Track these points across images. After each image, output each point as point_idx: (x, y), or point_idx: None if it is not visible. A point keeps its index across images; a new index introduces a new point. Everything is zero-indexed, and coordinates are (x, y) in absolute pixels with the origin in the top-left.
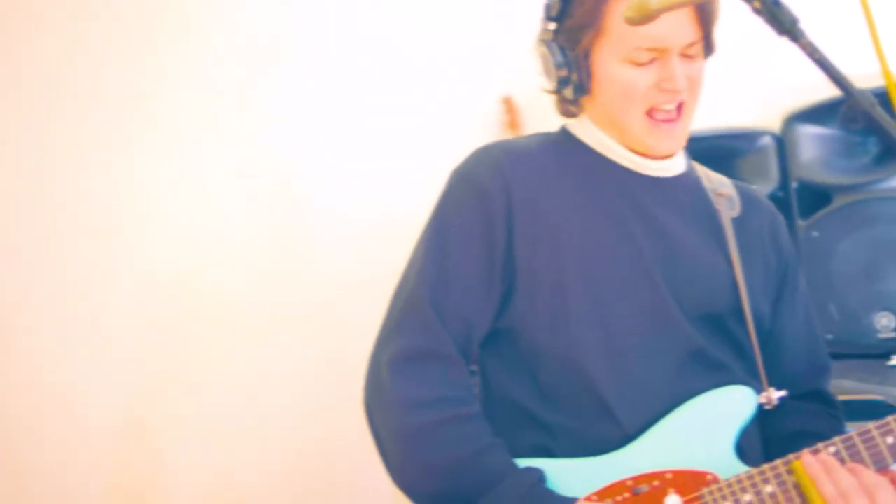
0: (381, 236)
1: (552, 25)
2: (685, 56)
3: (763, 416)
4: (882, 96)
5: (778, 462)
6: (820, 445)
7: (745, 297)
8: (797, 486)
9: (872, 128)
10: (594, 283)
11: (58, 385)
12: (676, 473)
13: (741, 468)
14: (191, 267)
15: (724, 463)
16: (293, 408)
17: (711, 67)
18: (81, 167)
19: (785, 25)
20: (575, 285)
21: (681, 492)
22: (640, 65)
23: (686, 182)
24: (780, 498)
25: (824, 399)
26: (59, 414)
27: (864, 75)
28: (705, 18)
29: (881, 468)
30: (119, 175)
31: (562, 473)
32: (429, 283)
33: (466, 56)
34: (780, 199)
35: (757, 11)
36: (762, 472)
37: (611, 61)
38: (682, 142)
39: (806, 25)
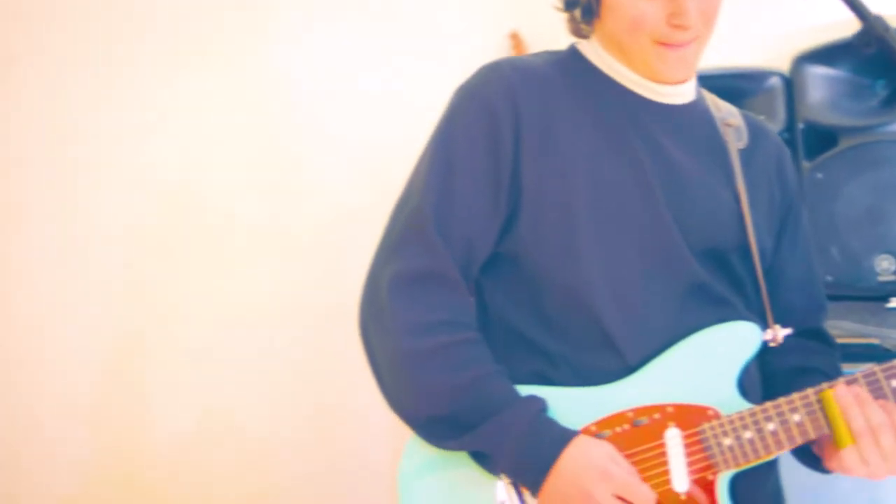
0: (382, 163)
1: None
2: None
3: (761, 353)
4: None
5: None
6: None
7: (752, 233)
8: (826, 416)
9: (885, 53)
10: (601, 211)
11: (45, 302)
12: (678, 407)
13: (743, 405)
14: (183, 180)
15: (727, 398)
16: (288, 332)
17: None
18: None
19: None
20: (582, 211)
21: (682, 426)
22: None
23: (695, 111)
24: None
25: (821, 337)
26: (45, 334)
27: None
28: None
29: None
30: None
31: (561, 402)
32: (432, 200)
33: None
34: (787, 141)
35: None
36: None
37: None
38: (694, 69)
39: None
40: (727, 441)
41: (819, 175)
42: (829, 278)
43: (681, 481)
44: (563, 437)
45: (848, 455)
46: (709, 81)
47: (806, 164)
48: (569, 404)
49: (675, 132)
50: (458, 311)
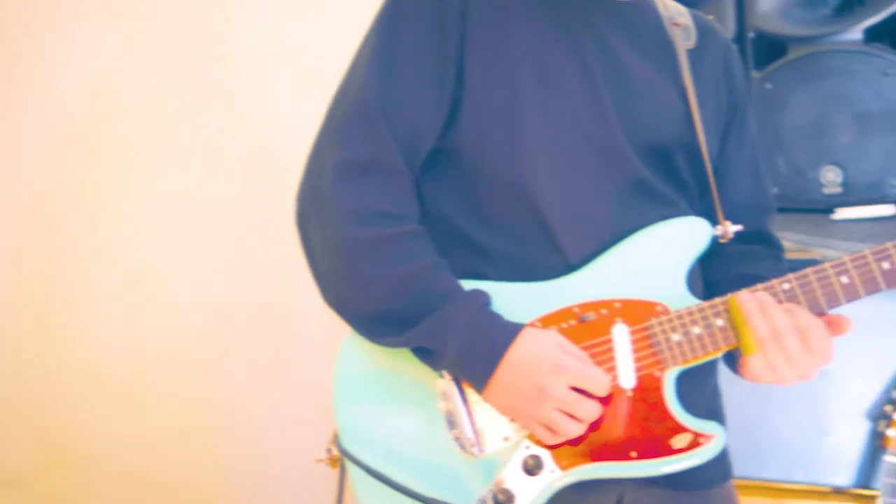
0: None
1: None
2: None
3: (705, 260)
4: None
5: (717, 300)
6: (774, 281)
7: (700, 130)
8: (732, 323)
9: None
10: (546, 107)
11: None
12: (625, 303)
13: (692, 301)
14: None
15: (675, 294)
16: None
17: None
18: None
19: None
20: (528, 107)
21: (629, 321)
22: None
23: (643, 8)
24: (718, 335)
25: (766, 240)
26: None
27: None
28: None
29: (834, 306)
30: None
31: (505, 297)
32: (376, 85)
33: None
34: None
35: None
36: (713, 305)
37: None
38: None
39: None
40: (675, 336)
41: (768, 85)
42: (776, 190)
43: (628, 377)
44: (510, 330)
45: (754, 362)
46: None
47: (755, 74)
48: (513, 299)
49: (622, 28)
50: (402, 202)
